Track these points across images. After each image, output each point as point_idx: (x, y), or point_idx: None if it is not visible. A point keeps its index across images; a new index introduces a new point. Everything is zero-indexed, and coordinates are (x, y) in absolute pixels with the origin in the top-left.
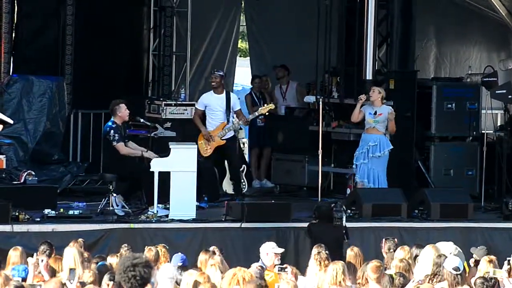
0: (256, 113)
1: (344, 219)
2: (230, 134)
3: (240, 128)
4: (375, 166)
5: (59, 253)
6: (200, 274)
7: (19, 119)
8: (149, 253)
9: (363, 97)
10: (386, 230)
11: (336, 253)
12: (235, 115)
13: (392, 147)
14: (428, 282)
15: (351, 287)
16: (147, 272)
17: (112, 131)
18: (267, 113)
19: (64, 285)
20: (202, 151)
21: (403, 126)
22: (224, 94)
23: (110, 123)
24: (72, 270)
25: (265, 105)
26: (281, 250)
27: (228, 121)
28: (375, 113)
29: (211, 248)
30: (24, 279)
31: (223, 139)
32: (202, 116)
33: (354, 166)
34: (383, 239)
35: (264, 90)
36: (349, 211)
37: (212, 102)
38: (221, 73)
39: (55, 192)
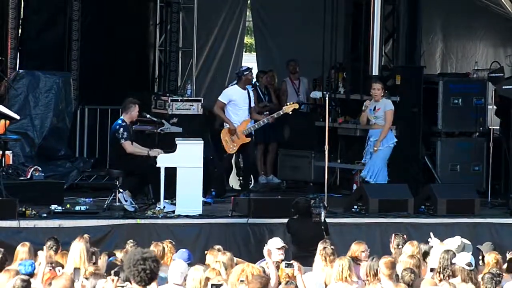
0: (281, 112)
1: (323, 215)
2: (252, 131)
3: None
4: (375, 161)
5: (66, 249)
6: (211, 269)
7: (26, 115)
8: (156, 248)
9: (368, 103)
10: (393, 225)
11: (315, 249)
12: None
13: (394, 140)
14: (438, 276)
15: (357, 283)
16: (156, 266)
17: (121, 128)
18: (290, 112)
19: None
20: (227, 148)
21: (410, 122)
22: (246, 91)
23: (120, 121)
24: (76, 270)
25: (288, 104)
26: (284, 245)
27: (250, 118)
28: (374, 108)
29: (216, 247)
30: (31, 274)
31: (247, 137)
32: None
33: (362, 163)
34: (393, 235)
35: (270, 85)
36: (356, 207)
37: (238, 97)
38: None
39: (61, 187)
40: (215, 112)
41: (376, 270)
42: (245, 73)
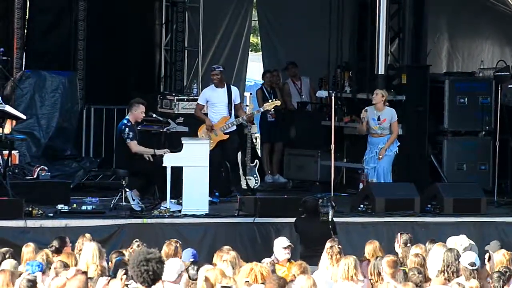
0: (261, 109)
1: (330, 214)
2: (232, 128)
3: (252, 123)
4: (383, 164)
5: (72, 248)
6: (214, 269)
7: (32, 115)
8: (168, 247)
9: (364, 115)
10: (399, 224)
11: (322, 249)
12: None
13: (397, 144)
14: (442, 275)
15: (363, 281)
16: (159, 267)
17: (127, 128)
18: (272, 110)
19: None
20: None
21: (416, 121)
22: (225, 88)
23: (125, 121)
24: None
25: (270, 101)
26: (290, 244)
27: (230, 115)
28: (378, 118)
29: (224, 247)
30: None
31: (225, 133)
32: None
33: (365, 170)
34: (399, 234)
35: (275, 85)
36: (362, 206)
37: (213, 96)
38: (221, 69)
39: (68, 187)
40: (195, 114)
41: (379, 269)
42: (211, 72)
